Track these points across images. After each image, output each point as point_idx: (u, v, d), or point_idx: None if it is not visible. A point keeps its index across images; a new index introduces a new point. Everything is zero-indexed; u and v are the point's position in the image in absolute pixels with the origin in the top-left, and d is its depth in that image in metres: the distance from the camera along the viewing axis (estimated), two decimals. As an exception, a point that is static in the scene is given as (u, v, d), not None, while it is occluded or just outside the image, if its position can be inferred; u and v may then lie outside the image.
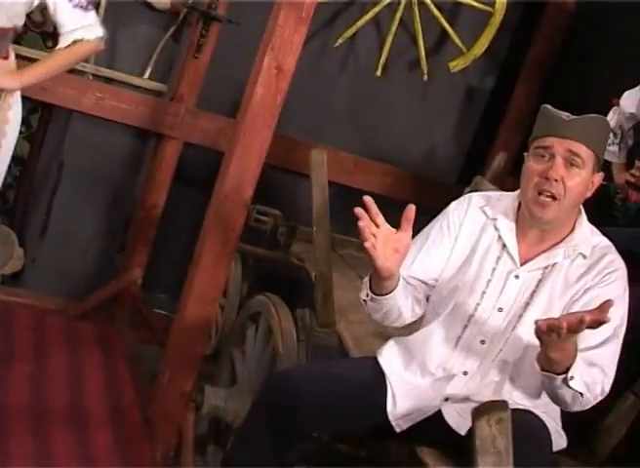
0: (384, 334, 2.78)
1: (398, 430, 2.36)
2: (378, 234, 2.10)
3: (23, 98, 3.10)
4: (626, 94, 3.46)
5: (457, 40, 4.30)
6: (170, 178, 4.14)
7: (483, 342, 2.33)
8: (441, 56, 4.46)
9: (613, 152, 3.54)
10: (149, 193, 4.16)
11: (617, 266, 2.30)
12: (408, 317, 2.42)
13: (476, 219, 2.41)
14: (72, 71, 3.73)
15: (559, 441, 2.36)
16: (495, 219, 2.38)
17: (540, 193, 2.24)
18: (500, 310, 2.33)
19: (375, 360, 2.48)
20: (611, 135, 3.52)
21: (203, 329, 3.13)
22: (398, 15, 4.21)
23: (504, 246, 2.34)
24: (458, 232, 2.40)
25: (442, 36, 4.42)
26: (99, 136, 4.08)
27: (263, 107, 2.91)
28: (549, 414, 2.33)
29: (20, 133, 4.09)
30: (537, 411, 2.29)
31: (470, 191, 3.02)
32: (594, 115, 2.27)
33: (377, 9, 4.16)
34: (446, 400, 2.35)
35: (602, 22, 4.26)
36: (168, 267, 4.39)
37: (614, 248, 2.35)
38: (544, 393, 2.26)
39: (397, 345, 2.49)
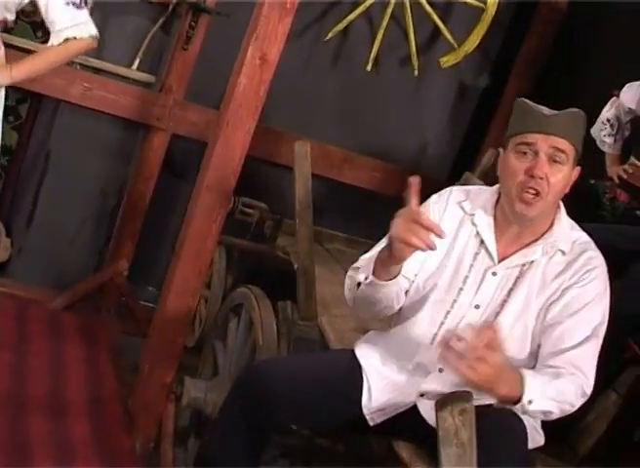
0: (366, 329, 2.76)
1: (372, 424, 2.34)
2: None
3: (12, 88, 3.07)
4: (627, 87, 3.41)
5: (448, 36, 4.29)
6: (158, 170, 4.13)
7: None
8: (433, 52, 4.44)
9: (608, 143, 3.52)
10: (137, 184, 4.14)
11: (596, 263, 2.27)
12: (395, 307, 2.36)
13: (454, 214, 2.37)
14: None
15: (536, 437, 2.33)
16: (473, 215, 2.35)
17: (524, 191, 2.20)
18: (477, 307, 2.30)
19: (352, 353, 2.46)
20: (607, 125, 3.51)
21: (184, 319, 3.11)
22: (389, 10, 4.19)
23: (482, 242, 2.31)
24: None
25: (435, 32, 4.40)
26: (86, 127, 4.06)
27: (247, 98, 2.89)
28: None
29: (9, 122, 4.13)
30: (513, 408, 2.27)
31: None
32: (574, 110, 2.25)
33: (368, 3, 4.14)
34: (422, 396, 2.33)
35: (594, 20, 4.25)
36: (156, 260, 4.38)
37: (593, 244, 2.32)
38: None
39: (375, 339, 2.47)
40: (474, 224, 2.34)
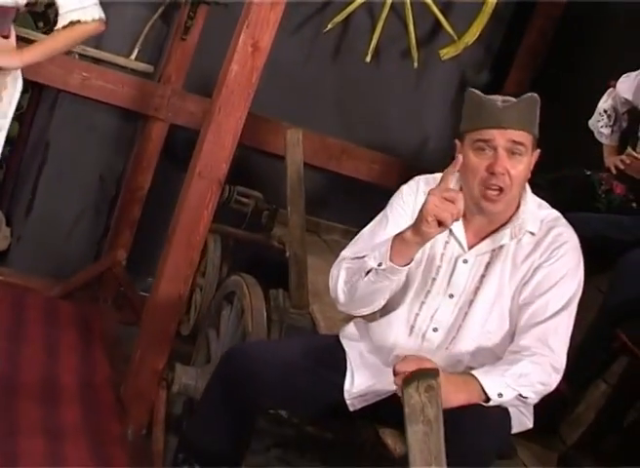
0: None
1: (352, 409, 2.35)
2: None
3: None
4: (623, 77, 3.40)
5: (448, 28, 4.28)
6: (156, 160, 4.14)
7: (436, 330, 2.30)
8: (434, 44, 4.43)
9: (605, 134, 3.50)
10: (136, 174, 4.15)
11: (565, 239, 2.26)
12: (383, 303, 2.36)
13: None
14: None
15: (522, 420, 2.32)
16: None
17: (487, 188, 2.19)
18: (451, 296, 2.29)
19: (337, 338, 2.47)
20: (604, 116, 3.49)
21: (176, 306, 3.11)
22: (389, 1, 4.18)
23: (451, 230, 2.27)
24: (412, 216, 2.33)
25: (435, 25, 4.40)
26: (85, 117, 4.08)
27: (239, 84, 2.89)
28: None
29: (12, 113, 4.15)
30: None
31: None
32: (526, 96, 2.22)
33: (367, -6, 4.15)
34: (402, 384, 2.32)
35: (594, 14, 4.23)
36: (155, 250, 4.35)
37: (563, 219, 2.31)
38: None
39: (359, 327, 2.47)
40: None
